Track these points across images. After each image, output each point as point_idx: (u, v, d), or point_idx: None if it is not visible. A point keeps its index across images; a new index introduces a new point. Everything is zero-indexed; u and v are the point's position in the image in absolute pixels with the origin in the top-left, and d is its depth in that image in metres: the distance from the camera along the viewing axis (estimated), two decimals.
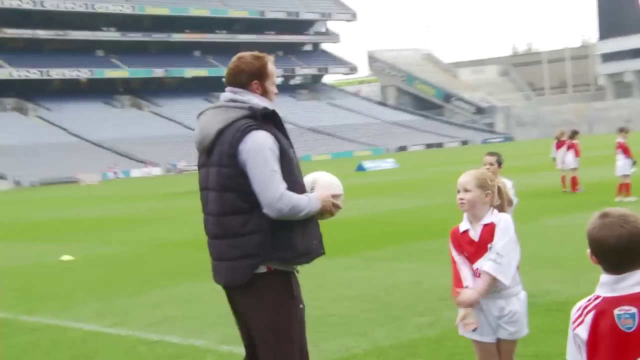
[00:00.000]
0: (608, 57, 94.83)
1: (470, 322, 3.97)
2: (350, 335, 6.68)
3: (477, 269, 4.00)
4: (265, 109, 3.73)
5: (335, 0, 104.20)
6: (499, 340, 4.09)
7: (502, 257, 3.89)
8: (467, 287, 3.98)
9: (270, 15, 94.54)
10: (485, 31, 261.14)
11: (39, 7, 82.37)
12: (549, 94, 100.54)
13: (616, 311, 2.28)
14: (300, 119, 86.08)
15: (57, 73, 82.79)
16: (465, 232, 4.08)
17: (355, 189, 26.87)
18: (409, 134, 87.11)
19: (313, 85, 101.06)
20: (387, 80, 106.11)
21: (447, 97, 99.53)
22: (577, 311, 2.40)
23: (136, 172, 67.01)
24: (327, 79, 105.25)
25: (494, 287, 3.96)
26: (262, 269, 3.75)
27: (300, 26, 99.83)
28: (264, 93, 3.81)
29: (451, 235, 4.18)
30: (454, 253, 4.14)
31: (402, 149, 77.39)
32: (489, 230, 4.00)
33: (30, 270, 13.78)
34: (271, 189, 3.64)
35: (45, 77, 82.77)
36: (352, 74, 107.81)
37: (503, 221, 4.05)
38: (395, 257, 11.13)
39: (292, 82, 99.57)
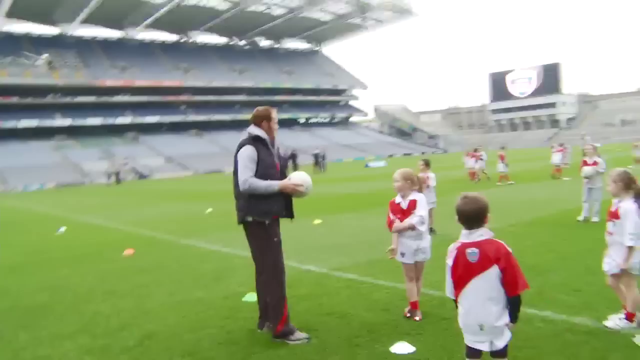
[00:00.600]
0: None
1: (393, 251, 5.34)
2: (342, 256, 8.86)
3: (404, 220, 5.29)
4: (257, 136, 5.03)
5: (356, 79, 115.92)
6: (415, 262, 5.44)
7: (424, 218, 5.27)
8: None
9: (323, 86, 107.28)
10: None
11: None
12: None
13: (467, 250, 3.14)
14: (339, 139, 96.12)
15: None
16: (398, 203, 5.28)
17: (361, 177, 32.56)
18: (393, 148, 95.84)
19: (345, 122, 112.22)
20: (384, 120, 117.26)
21: (413, 129, 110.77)
22: (450, 249, 3.29)
23: None
24: (352, 119, 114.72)
25: (413, 232, 5.30)
26: (249, 219, 5.10)
27: (339, 92, 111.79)
28: (268, 129, 5.16)
29: (390, 204, 5.40)
30: (390, 214, 5.38)
31: (391, 155, 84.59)
32: (412, 203, 5.23)
33: (189, 216, 17.16)
34: (240, 176, 4.92)
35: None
36: (365, 116, 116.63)
37: (420, 198, 5.28)
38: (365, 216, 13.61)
39: (334, 120, 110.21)
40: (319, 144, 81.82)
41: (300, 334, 5.31)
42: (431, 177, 10.72)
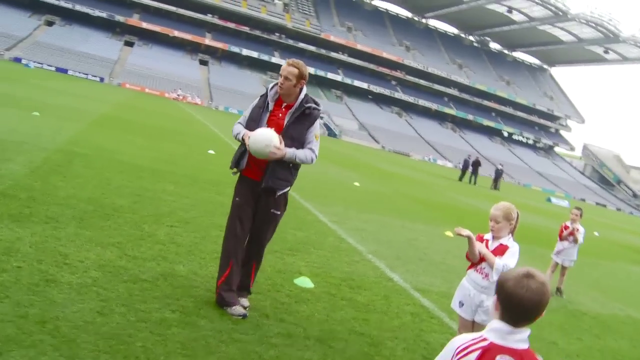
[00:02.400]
0: None
1: (459, 229, 4.24)
2: (439, 278, 7.82)
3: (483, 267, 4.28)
4: (266, 88, 4.88)
5: (575, 110, 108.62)
6: (474, 322, 4.30)
7: (507, 269, 4.02)
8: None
9: (538, 106, 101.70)
10: None
11: None
12: None
13: (498, 357, 2.11)
14: (535, 165, 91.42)
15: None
16: (487, 240, 4.39)
17: (533, 208, 29.23)
18: (589, 193, 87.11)
19: (548, 149, 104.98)
20: (589, 161, 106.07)
21: (618, 181, 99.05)
22: (461, 347, 2.17)
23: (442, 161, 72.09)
24: (557, 149, 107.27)
25: (484, 281, 4.27)
26: None
27: (552, 117, 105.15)
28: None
29: (477, 237, 4.39)
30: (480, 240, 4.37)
31: (582, 200, 76.43)
32: (502, 249, 4.28)
33: (337, 182, 17.14)
34: None
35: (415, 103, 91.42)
36: (571, 150, 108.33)
37: (514, 247, 4.29)
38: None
39: (537, 144, 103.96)
40: (512, 162, 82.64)
41: (238, 310, 4.81)
42: (582, 231, 9.37)
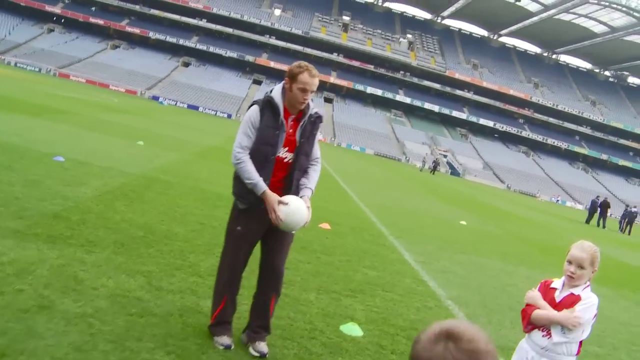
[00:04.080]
0: None
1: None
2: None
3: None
4: (266, 94, 4.09)
5: None
6: None
7: (580, 323, 3.23)
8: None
9: None
10: None
11: None
12: None
13: None
14: None
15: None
16: (554, 289, 3.43)
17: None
18: None
19: None
20: None
21: None
22: None
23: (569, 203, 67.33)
24: None
25: (547, 340, 3.31)
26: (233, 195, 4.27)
27: None
28: (289, 89, 3.96)
29: (541, 285, 3.51)
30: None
31: None
32: (573, 300, 3.33)
33: (441, 220, 15.94)
34: (235, 143, 4.05)
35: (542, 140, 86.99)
36: None
37: (591, 298, 3.33)
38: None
39: None
40: None
41: (223, 340, 4.23)
42: None
